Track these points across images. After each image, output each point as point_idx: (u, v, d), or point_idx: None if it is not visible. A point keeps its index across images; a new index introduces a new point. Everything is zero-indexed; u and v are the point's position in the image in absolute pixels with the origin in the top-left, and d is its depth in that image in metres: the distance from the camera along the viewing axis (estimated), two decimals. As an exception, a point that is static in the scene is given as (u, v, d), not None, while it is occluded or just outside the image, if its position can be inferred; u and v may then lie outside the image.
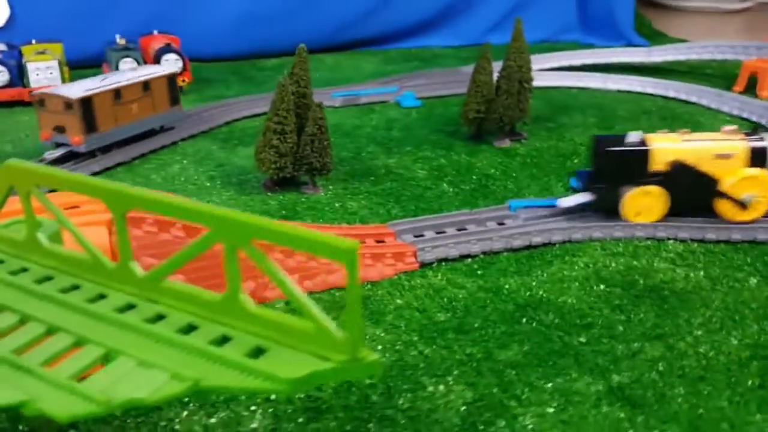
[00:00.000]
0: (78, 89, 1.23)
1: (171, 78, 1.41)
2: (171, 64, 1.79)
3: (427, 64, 2.29)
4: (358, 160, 1.35)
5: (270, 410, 0.64)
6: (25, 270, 0.58)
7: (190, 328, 0.51)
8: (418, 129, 1.57)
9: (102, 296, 0.54)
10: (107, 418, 0.62)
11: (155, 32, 2.01)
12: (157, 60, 1.79)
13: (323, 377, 0.46)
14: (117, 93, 1.28)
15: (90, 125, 1.23)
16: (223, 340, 0.49)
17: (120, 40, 1.86)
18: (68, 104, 1.21)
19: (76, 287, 0.56)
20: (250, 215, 0.47)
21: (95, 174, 1.21)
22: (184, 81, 1.82)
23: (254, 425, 0.62)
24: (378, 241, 0.96)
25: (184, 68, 1.82)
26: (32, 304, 0.53)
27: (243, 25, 2.27)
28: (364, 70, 2.22)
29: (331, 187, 1.21)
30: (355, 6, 2.45)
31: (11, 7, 1.96)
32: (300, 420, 0.63)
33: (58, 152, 1.23)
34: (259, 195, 1.17)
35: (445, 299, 0.84)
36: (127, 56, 1.75)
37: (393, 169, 1.31)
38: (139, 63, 1.76)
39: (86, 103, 1.22)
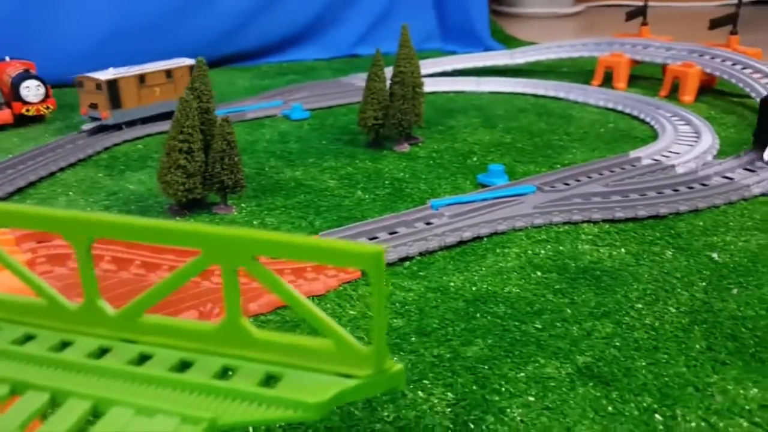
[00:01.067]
0: (108, 74, 1.49)
1: (192, 68, 1.62)
2: (32, 91, 1.63)
3: (303, 77, 2.27)
4: (263, 176, 1.31)
5: (252, 444, 0.59)
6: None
7: (183, 365, 0.46)
8: (315, 140, 1.55)
9: (66, 343, 0.47)
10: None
11: (7, 58, 1.82)
12: (15, 87, 1.62)
13: (351, 395, 0.43)
14: (141, 78, 1.52)
15: (115, 103, 1.49)
16: (227, 372, 0.45)
17: (-34, 68, 1.67)
18: (98, 85, 1.47)
19: (30, 338, 0.48)
20: (248, 230, 0.43)
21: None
22: (48, 108, 1.67)
23: (240, 462, 0.57)
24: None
25: (47, 95, 1.66)
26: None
27: (105, 44, 2.12)
28: (239, 86, 2.16)
29: (243, 204, 1.16)
30: (224, 22, 2.38)
31: None
32: (289, 449, 0.59)
33: (92, 125, 1.51)
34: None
35: (397, 304, 0.83)
36: (-21, 84, 1.58)
37: (302, 181, 1.28)
38: (-6, 91, 1.59)
39: (112, 84, 1.48)
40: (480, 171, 1.32)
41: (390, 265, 0.92)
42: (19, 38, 1.96)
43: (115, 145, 1.50)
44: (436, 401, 0.65)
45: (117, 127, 1.53)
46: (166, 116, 1.55)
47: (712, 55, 1.88)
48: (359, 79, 2.12)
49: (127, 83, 1.51)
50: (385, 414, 0.64)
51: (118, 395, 0.42)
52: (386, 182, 1.27)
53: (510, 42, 2.87)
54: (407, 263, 0.94)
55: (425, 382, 0.68)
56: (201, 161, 1.08)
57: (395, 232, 1.00)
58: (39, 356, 0.46)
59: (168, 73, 1.60)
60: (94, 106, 1.49)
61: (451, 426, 0.62)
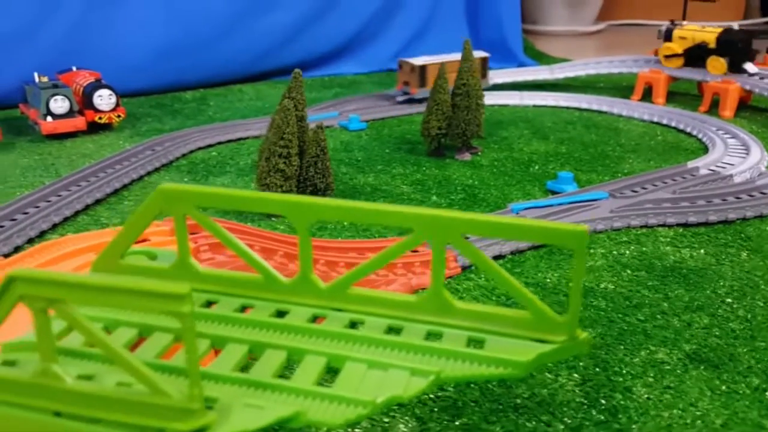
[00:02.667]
0: (420, 60, 1.94)
1: (483, 60, 2.03)
2: (105, 99, 1.71)
3: (347, 90, 2.35)
4: (339, 181, 1.37)
5: (409, 414, 0.65)
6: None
7: (393, 330, 0.52)
8: (377, 149, 1.62)
9: (281, 312, 0.54)
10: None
11: (74, 68, 1.90)
12: (89, 96, 1.70)
13: (548, 357, 0.49)
14: (442, 65, 1.64)
15: (422, 82, 1.93)
16: (434, 336, 0.51)
17: (42, 78, 1.74)
18: (413, 68, 1.93)
19: (247, 307, 0.54)
20: (456, 211, 0.50)
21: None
22: (119, 117, 1.74)
23: (402, 428, 0.63)
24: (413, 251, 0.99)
25: (117, 104, 1.74)
26: (214, 328, 0.52)
27: (160, 58, 2.19)
28: (287, 99, 2.23)
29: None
30: (270, 38, 2.46)
31: None
32: (445, 419, 0.65)
33: (403, 97, 1.98)
34: (264, 221, 1.15)
35: (502, 297, 0.89)
36: (57, 94, 1.64)
37: (377, 186, 1.34)
38: (70, 100, 1.66)
39: (423, 68, 1.92)
40: (543, 179, 1.38)
41: (488, 262, 0.98)
42: (81, 50, 2.03)
43: (191, 152, 1.57)
44: (564, 381, 0.72)
45: (419, 101, 1.93)
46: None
47: (750, 73, 1.95)
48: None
49: (433, 68, 1.86)
50: (520, 391, 0.70)
51: (348, 353, 0.49)
52: (458, 188, 1.34)
53: (542, 58, 2.95)
54: (500, 261, 1.00)
55: (549, 365, 0.74)
56: (297, 165, 1.15)
57: (485, 233, 1.07)
58: (263, 322, 0.52)
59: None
60: (406, 83, 1.95)
61: (584, 401, 0.68)
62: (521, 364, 0.47)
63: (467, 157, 1.54)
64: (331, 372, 0.48)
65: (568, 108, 2.05)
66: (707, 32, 2.01)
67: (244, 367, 0.48)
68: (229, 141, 1.67)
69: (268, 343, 0.50)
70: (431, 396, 0.68)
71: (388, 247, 0.52)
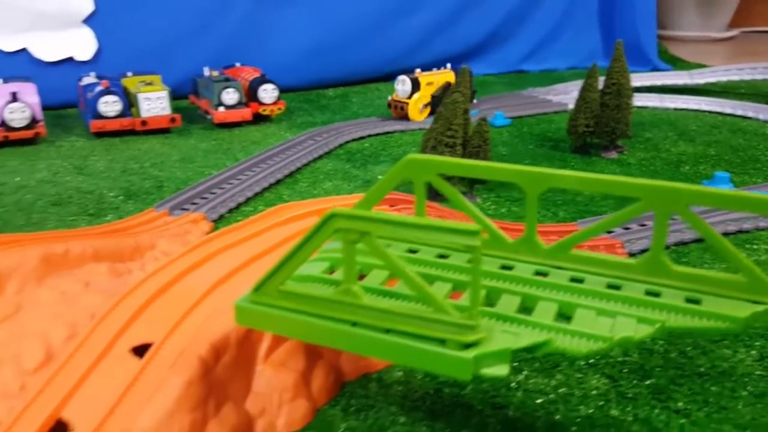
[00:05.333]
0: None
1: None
2: (269, 93, 1.87)
3: (481, 91, 2.42)
4: (491, 173, 1.45)
5: (600, 373, 0.72)
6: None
7: (613, 287, 0.59)
8: (520, 145, 1.68)
9: (506, 267, 0.62)
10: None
11: (237, 64, 2.09)
12: (254, 90, 1.86)
13: (762, 317, 0.54)
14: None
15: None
16: (652, 295, 0.57)
17: (212, 72, 1.93)
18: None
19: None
20: (682, 183, 0.56)
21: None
22: (279, 109, 1.90)
23: (595, 383, 0.70)
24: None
25: (278, 97, 1.90)
26: (450, 274, 0.61)
27: (308, 58, 2.36)
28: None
29: (484, 196, 1.30)
30: (407, 40, 2.57)
31: (98, 41, 2.01)
32: (635, 379, 0.71)
33: None
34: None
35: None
36: (228, 87, 1.82)
37: (529, 179, 1.40)
38: (239, 93, 1.83)
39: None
40: (693, 179, 1.40)
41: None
42: (243, 49, 2.22)
43: (346, 142, 1.69)
44: (743, 357, 0.76)
45: None
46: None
47: None
48: (539, 93, 2.25)
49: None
50: (701, 362, 0.75)
51: (577, 301, 0.56)
52: (609, 184, 1.38)
53: (676, 63, 2.90)
54: (669, 249, 1.04)
55: (725, 341, 0.79)
56: (460, 155, 1.23)
57: (644, 225, 1.11)
58: (494, 272, 0.60)
59: None
60: None
61: (764, 374, 0.72)
62: (739, 319, 0.53)
63: (614, 155, 1.57)
64: (561, 318, 0.56)
65: (710, 112, 2.03)
66: None
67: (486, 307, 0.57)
68: (378, 134, 1.78)
69: (504, 289, 0.58)
70: (618, 359, 0.74)
71: (614, 215, 0.59)
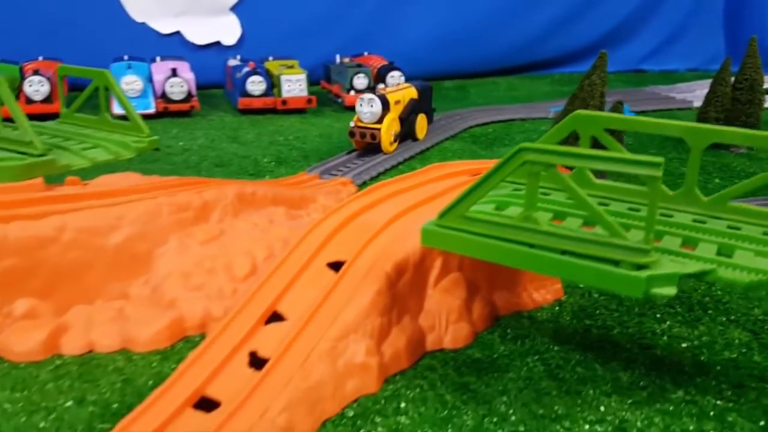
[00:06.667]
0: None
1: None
2: (395, 80, 1.97)
3: (599, 87, 2.43)
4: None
5: (741, 328, 0.76)
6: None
7: (769, 236, 0.63)
8: (645, 137, 1.70)
9: (667, 215, 0.68)
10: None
11: (366, 53, 2.21)
12: (382, 76, 1.97)
13: None
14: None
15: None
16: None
17: (344, 59, 2.06)
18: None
19: (635, 210, 0.69)
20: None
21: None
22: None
23: (737, 335, 0.74)
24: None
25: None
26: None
27: (428, 50, 2.45)
28: (539, 91, 2.38)
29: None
30: (525, 35, 2.62)
31: (243, 27, 2.18)
32: (777, 336, 0.75)
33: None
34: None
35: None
36: (360, 72, 1.94)
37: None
38: (369, 79, 1.94)
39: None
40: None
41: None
42: (370, 39, 2.35)
43: (470, 127, 1.77)
44: None
45: None
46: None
47: None
48: (661, 90, 2.24)
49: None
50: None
51: (735, 243, 0.61)
52: (740, 174, 1.38)
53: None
54: None
55: None
56: (592, 136, 1.28)
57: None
58: (658, 219, 0.66)
59: None
60: None
61: None
62: None
63: (743, 150, 1.57)
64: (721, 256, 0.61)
65: None
66: None
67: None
68: (500, 121, 1.85)
69: (667, 231, 0.64)
70: (759, 317, 0.78)
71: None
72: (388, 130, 1.39)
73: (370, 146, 1.42)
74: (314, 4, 2.29)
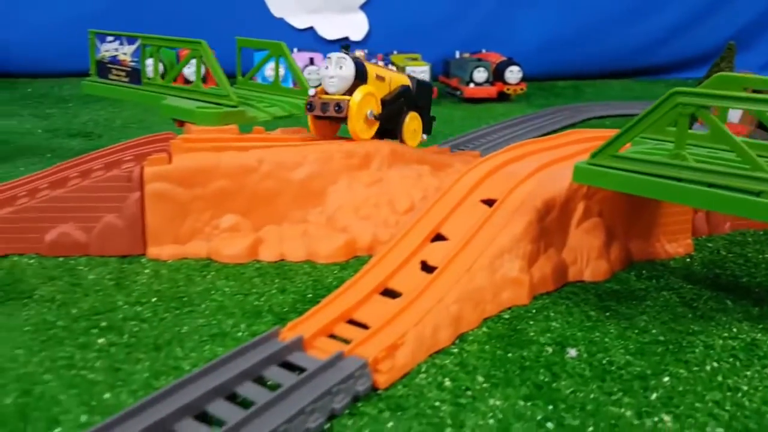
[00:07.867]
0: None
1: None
2: (514, 75, 2.06)
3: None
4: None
5: None
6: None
7: None
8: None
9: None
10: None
11: (483, 50, 2.31)
12: (501, 72, 2.06)
13: None
14: None
15: None
16: None
17: (464, 55, 2.17)
18: None
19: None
20: None
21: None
22: (521, 90, 2.08)
23: None
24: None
25: (522, 79, 2.08)
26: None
27: (543, 51, 2.52)
28: (655, 93, 2.39)
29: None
30: (641, 39, 2.63)
31: (370, 24, 2.34)
32: None
33: None
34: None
35: None
36: (480, 66, 2.04)
37: None
38: (488, 72, 2.04)
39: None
40: None
41: None
42: (487, 37, 2.44)
43: (588, 119, 1.83)
44: None
45: None
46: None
47: None
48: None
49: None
50: None
51: None
52: None
53: None
54: None
55: None
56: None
57: None
58: None
59: None
60: None
61: None
62: None
63: None
64: None
65: None
66: None
67: None
68: (617, 115, 1.89)
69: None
70: None
71: None
72: (362, 106, 0.95)
73: (330, 129, 1.01)
74: (435, 3, 2.42)
